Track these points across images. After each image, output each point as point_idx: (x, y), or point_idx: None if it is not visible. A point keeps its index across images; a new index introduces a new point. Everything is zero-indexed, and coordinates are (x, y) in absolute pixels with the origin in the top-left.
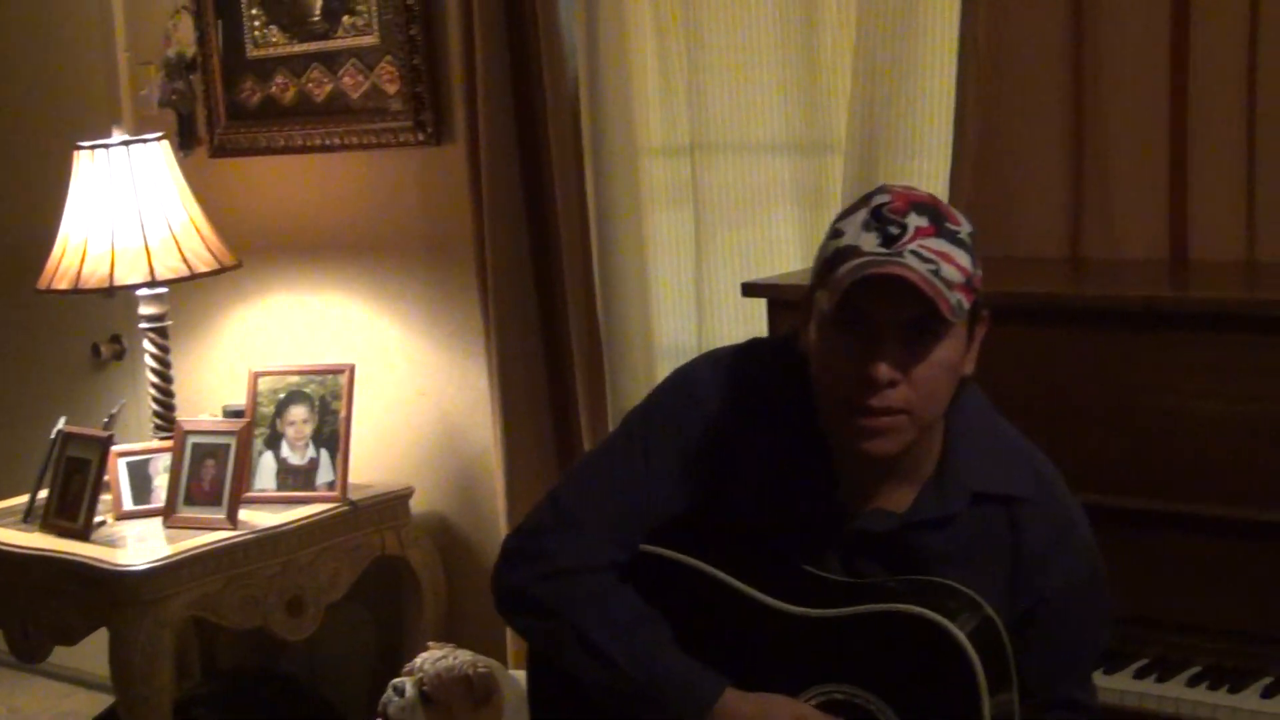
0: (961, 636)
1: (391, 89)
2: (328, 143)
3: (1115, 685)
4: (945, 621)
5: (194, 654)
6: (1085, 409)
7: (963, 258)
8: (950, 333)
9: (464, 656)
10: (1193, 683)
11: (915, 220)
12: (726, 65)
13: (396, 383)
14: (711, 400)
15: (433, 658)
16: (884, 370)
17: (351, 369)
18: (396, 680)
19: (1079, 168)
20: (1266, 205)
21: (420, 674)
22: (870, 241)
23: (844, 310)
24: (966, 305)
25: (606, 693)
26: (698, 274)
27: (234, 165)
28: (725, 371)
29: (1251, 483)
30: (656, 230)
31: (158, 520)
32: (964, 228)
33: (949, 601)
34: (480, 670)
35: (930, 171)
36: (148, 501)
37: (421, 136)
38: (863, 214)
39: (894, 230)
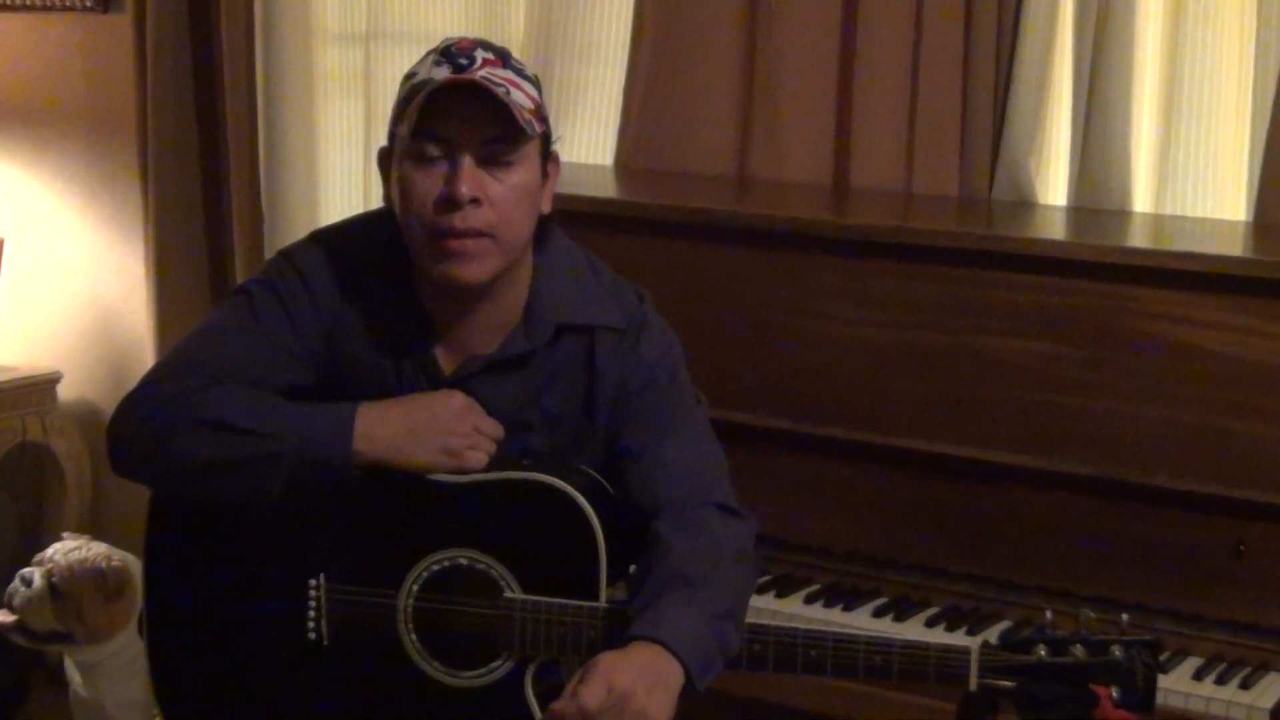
0: (581, 499)
1: None
2: None
3: None
4: (566, 486)
5: None
6: (733, 326)
7: (531, 89)
8: (525, 157)
9: (98, 549)
10: (809, 600)
11: (483, 54)
12: None
13: (50, 262)
14: (312, 273)
15: (65, 548)
16: (464, 189)
17: (0, 241)
18: (25, 570)
19: (749, 87)
20: (924, 140)
21: (50, 565)
22: (441, 74)
23: (421, 134)
24: (539, 129)
25: (240, 467)
26: (366, 165)
27: None
28: (324, 246)
29: (879, 409)
30: (327, 118)
31: None
32: (530, 70)
33: (570, 474)
34: (114, 564)
35: (605, 79)
36: None
37: (89, 2)
38: (433, 55)
39: (463, 61)
